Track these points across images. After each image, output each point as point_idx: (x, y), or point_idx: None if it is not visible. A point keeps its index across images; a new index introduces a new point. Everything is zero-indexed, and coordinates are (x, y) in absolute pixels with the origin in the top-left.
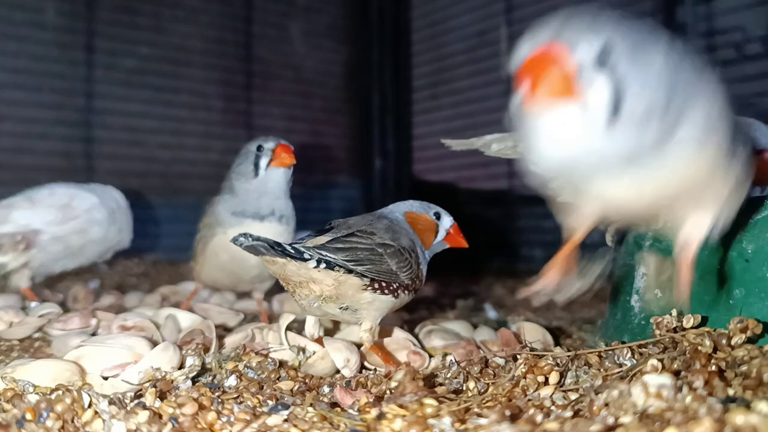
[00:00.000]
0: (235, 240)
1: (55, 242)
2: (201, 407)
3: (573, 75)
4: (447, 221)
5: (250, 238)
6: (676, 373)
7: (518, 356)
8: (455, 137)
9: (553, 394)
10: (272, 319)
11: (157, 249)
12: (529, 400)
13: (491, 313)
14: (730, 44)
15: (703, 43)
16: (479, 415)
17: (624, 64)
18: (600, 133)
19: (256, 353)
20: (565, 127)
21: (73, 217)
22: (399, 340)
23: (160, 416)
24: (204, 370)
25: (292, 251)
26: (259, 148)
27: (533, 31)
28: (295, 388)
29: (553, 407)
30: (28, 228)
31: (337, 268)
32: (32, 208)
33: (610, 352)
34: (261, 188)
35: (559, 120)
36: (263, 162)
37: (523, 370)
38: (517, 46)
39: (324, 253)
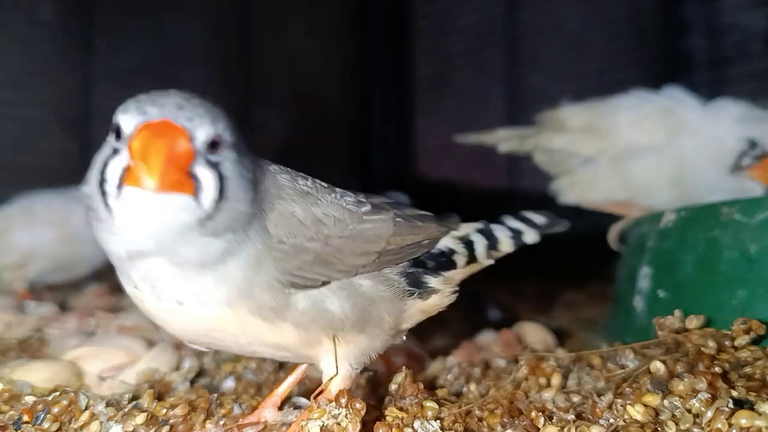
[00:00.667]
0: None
1: (49, 259)
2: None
3: (190, 165)
4: None
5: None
6: (679, 375)
7: (520, 358)
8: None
9: (555, 396)
10: None
11: None
12: (531, 402)
13: (492, 314)
14: (730, 43)
15: (703, 43)
16: (481, 419)
17: (231, 158)
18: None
19: None
20: (172, 214)
21: (68, 238)
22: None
23: (156, 418)
24: (202, 371)
25: None
26: None
27: (145, 100)
28: (295, 390)
29: (555, 410)
30: (30, 251)
31: None
32: (31, 228)
33: (612, 353)
34: None
35: (170, 205)
36: None
37: (525, 372)
38: (127, 107)
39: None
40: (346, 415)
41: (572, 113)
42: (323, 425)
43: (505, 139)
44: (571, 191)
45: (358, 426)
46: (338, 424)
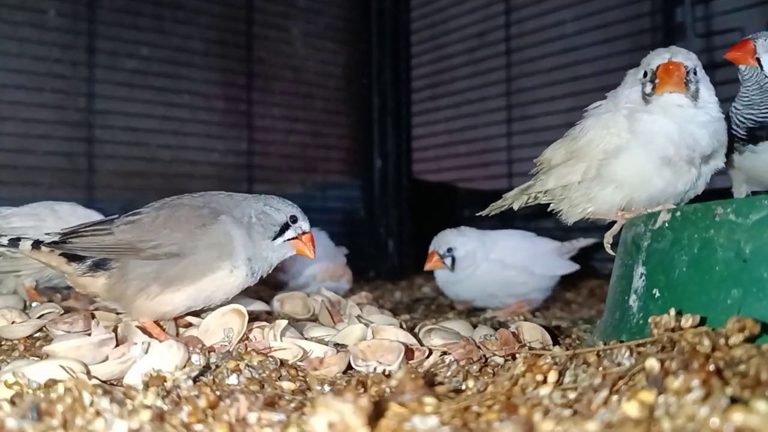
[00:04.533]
0: None
1: None
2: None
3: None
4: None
5: None
6: (674, 373)
7: (517, 355)
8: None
9: (551, 392)
10: (274, 318)
11: None
12: (528, 398)
13: (491, 313)
14: (728, 45)
15: (701, 44)
16: (479, 415)
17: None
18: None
19: (258, 352)
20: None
21: None
22: (398, 338)
23: (162, 415)
24: (206, 368)
25: None
26: None
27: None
28: (296, 387)
29: (551, 406)
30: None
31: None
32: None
33: (608, 351)
34: None
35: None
36: None
37: (522, 369)
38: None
39: None
40: (353, 411)
41: (553, 150)
42: (329, 421)
43: (513, 198)
44: (573, 212)
45: (364, 422)
46: (344, 420)
